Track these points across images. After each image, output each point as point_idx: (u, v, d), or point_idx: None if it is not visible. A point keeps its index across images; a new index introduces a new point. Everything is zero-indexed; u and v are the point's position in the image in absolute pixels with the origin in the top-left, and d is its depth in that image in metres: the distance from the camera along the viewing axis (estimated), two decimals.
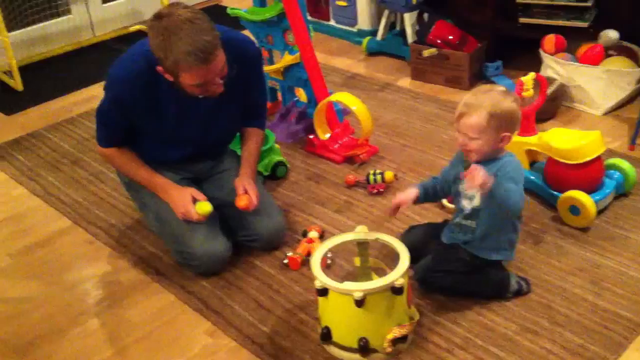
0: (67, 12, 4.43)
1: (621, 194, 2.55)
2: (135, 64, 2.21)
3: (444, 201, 2.55)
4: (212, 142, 2.48)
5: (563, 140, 2.46)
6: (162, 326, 2.19)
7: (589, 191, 2.40)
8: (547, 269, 2.26)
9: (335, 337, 1.97)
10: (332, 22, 4.28)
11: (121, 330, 2.19)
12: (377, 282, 1.91)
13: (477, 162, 2.01)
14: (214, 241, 2.33)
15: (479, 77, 3.52)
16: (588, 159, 2.40)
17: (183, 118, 2.31)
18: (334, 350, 2.00)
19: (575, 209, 2.39)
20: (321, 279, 1.93)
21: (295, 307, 2.20)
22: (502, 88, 2.06)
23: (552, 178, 2.51)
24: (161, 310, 2.25)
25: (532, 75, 2.55)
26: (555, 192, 2.48)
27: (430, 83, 3.57)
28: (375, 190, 2.70)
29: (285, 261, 2.36)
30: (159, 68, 2.12)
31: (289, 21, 2.93)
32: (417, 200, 2.22)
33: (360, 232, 2.10)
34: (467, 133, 2.00)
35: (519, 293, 2.15)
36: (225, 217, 2.41)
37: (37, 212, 2.83)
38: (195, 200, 2.31)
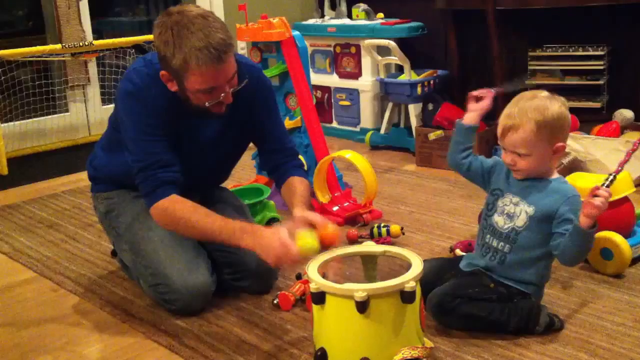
0: (65, 110, 4.34)
1: None
2: (143, 70, 1.99)
3: (457, 250, 2.27)
4: (208, 173, 2.22)
5: (588, 180, 2.23)
6: None
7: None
8: (581, 310, 1.94)
9: (332, 359, 1.62)
10: (334, 124, 4.19)
11: None
12: (383, 283, 1.60)
13: (525, 179, 1.83)
14: (196, 272, 2.02)
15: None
16: (617, 197, 2.15)
17: (187, 136, 2.04)
18: None
19: (607, 252, 2.11)
20: (317, 280, 1.62)
21: (285, 344, 1.85)
22: (545, 93, 1.81)
23: None
24: (126, 348, 1.90)
25: None
26: None
27: (437, 168, 3.38)
28: (381, 244, 2.41)
29: (276, 301, 2.04)
30: (163, 73, 1.90)
31: (292, 79, 2.82)
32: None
33: (367, 246, 1.82)
34: (517, 150, 1.77)
35: (551, 327, 1.82)
36: (209, 251, 2.12)
37: None
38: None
